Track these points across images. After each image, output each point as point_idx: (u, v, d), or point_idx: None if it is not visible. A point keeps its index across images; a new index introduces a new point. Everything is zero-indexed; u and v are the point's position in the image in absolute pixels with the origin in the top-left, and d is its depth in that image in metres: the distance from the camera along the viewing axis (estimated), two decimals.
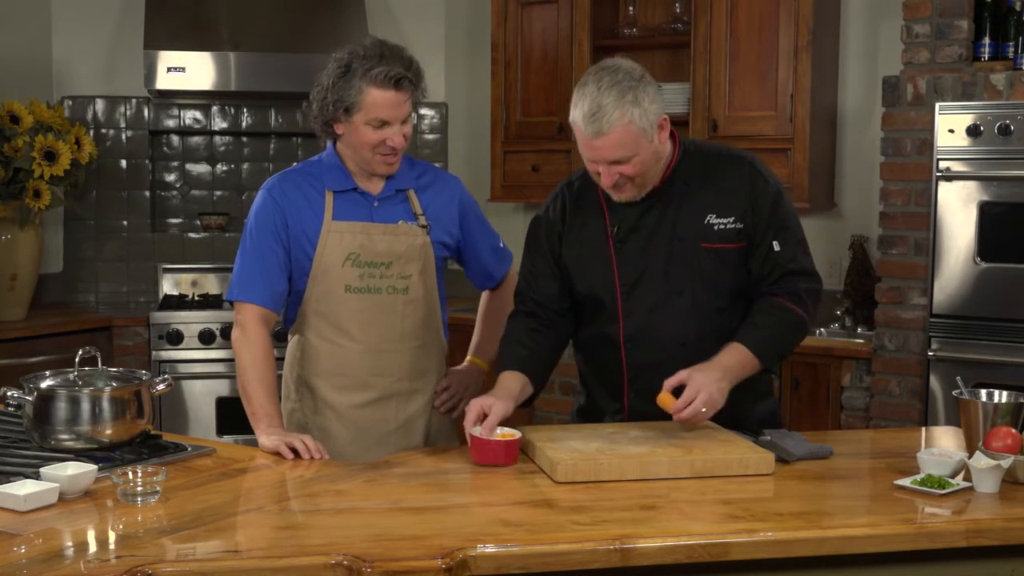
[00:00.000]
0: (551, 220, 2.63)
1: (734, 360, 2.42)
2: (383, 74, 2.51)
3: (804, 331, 2.53)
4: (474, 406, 2.40)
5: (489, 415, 2.37)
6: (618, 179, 2.41)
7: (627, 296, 2.54)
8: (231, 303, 2.68)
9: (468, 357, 2.94)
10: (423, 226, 2.70)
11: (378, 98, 2.53)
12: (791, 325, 2.50)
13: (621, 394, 2.61)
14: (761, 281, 2.52)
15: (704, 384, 2.33)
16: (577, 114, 2.37)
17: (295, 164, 2.78)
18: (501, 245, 2.91)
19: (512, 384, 2.51)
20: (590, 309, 2.61)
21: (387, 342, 2.70)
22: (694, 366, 2.38)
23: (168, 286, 5.40)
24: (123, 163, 5.47)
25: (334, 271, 2.65)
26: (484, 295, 2.98)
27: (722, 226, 2.50)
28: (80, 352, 2.47)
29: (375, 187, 2.70)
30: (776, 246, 2.50)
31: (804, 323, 2.51)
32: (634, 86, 2.35)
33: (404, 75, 2.54)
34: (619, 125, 2.33)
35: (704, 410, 2.32)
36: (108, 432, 2.36)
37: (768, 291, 2.51)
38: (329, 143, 2.72)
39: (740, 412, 2.52)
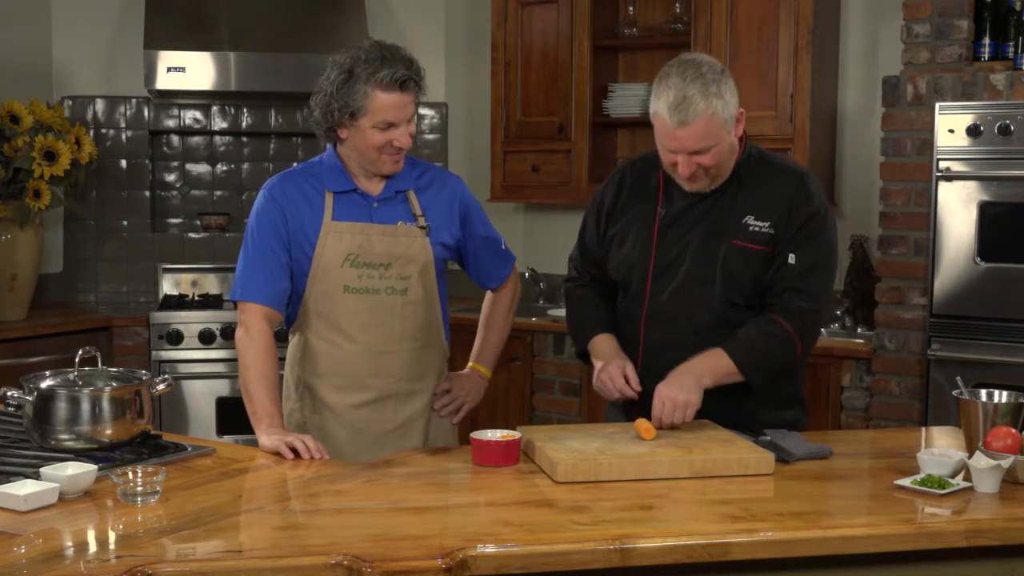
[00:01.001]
0: (603, 199, 2.74)
1: (707, 365, 2.49)
2: (388, 77, 2.52)
3: (792, 349, 2.54)
4: (615, 373, 2.55)
5: (628, 375, 2.56)
6: (696, 169, 2.48)
7: (657, 278, 2.62)
8: (235, 303, 2.68)
9: (470, 363, 2.94)
10: (422, 227, 2.70)
11: (384, 101, 2.54)
12: (776, 340, 2.52)
13: (635, 371, 2.63)
14: (768, 291, 2.57)
15: (667, 396, 2.44)
16: (661, 105, 2.44)
17: (295, 165, 2.79)
18: (504, 247, 2.91)
19: (614, 344, 2.66)
20: (622, 285, 2.70)
21: (386, 343, 2.70)
22: (663, 380, 2.47)
23: (168, 286, 5.40)
24: (123, 163, 5.46)
25: (333, 271, 2.65)
26: (487, 298, 2.97)
27: (756, 228, 2.56)
28: (80, 352, 2.47)
29: (375, 188, 2.70)
30: (791, 259, 2.54)
31: (792, 340, 2.53)
32: (717, 79, 2.44)
33: (409, 76, 2.55)
34: (704, 115, 2.41)
35: (677, 414, 2.43)
36: (108, 432, 2.36)
37: (771, 303, 2.56)
38: (329, 144, 2.72)
39: (762, 417, 2.57)
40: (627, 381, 2.58)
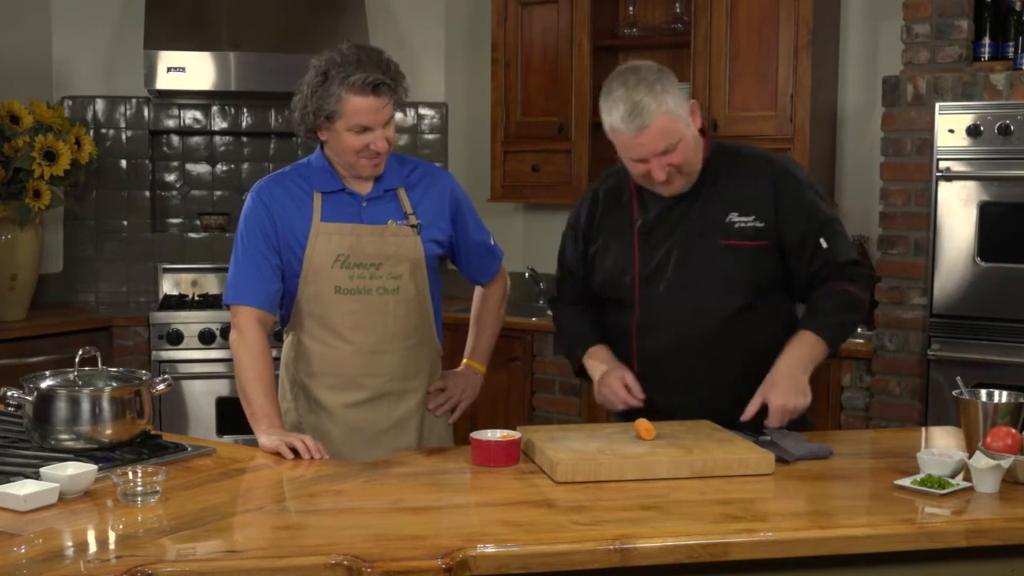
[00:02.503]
0: (578, 219, 2.75)
1: (804, 352, 2.52)
2: (360, 80, 2.51)
3: (863, 311, 2.64)
4: (616, 384, 2.55)
5: (629, 383, 2.57)
6: (670, 171, 2.48)
7: (644, 286, 2.61)
8: (228, 307, 2.68)
9: (464, 360, 2.94)
10: (413, 225, 2.70)
11: (358, 105, 2.53)
12: (850, 304, 2.60)
13: (634, 379, 2.63)
14: (815, 275, 2.60)
15: (783, 407, 2.45)
16: (615, 118, 2.44)
17: (285, 167, 2.78)
18: (492, 242, 2.92)
19: (609, 354, 2.67)
20: (610, 299, 2.69)
21: (379, 342, 2.70)
22: (764, 386, 2.48)
23: (168, 286, 5.40)
24: (123, 163, 5.47)
25: (324, 272, 2.65)
26: (477, 294, 2.98)
27: (742, 224, 2.56)
28: (80, 352, 2.47)
29: (364, 188, 2.69)
30: (824, 243, 2.58)
31: (863, 303, 2.62)
32: (658, 77, 2.46)
33: (382, 80, 2.53)
34: (658, 114, 2.42)
35: (794, 416, 2.48)
36: (108, 432, 2.36)
37: (824, 278, 2.60)
38: (318, 146, 2.72)
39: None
40: (629, 390, 2.58)
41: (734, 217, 2.56)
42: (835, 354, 2.66)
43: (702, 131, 2.59)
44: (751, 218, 2.55)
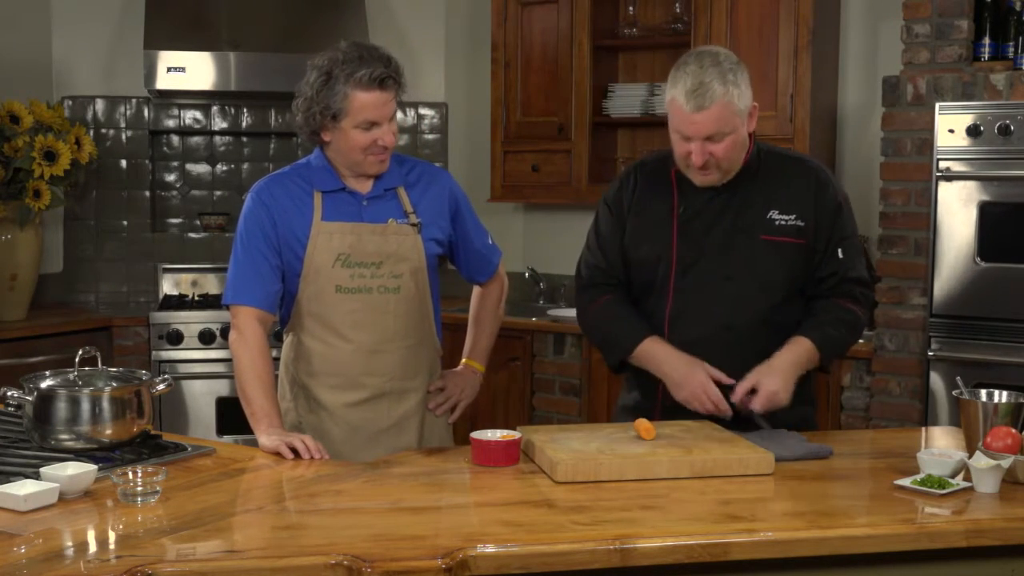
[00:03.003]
0: (618, 200, 2.70)
1: (796, 355, 2.53)
2: (367, 76, 2.52)
3: (861, 331, 2.66)
4: (710, 388, 2.50)
5: (721, 378, 2.53)
6: (709, 159, 2.49)
7: (681, 275, 2.61)
8: (227, 307, 2.68)
9: (464, 360, 2.94)
10: (413, 224, 2.70)
11: (365, 100, 2.54)
12: (850, 324, 2.62)
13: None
14: (821, 283, 2.62)
15: (772, 392, 2.48)
16: (678, 91, 2.46)
17: (284, 168, 2.78)
18: (490, 241, 2.92)
19: (676, 350, 2.57)
20: (642, 286, 2.67)
21: (379, 342, 2.70)
22: (760, 369, 2.49)
23: (168, 286, 5.40)
24: (123, 163, 5.47)
25: (324, 272, 2.65)
26: (474, 294, 2.98)
27: (783, 221, 2.59)
28: (80, 352, 2.47)
29: (364, 187, 2.70)
30: (840, 254, 2.61)
31: (862, 324, 2.65)
32: (734, 68, 2.48)
33: (387, 74, 2.55)
34: (721, 101, 2.44)
35: (767, 405, 2.49)
36: (108, 432, 2.36)
37: (828, 293, 2.62)
38: (317, 146, 2.72)
39: (780, 413, 2.56)
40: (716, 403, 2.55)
41: (775, 214, 2.58)
42: (825, 369, 2.65)
43: (750, 133, 2.61)
44: (792, 216, 2.58)
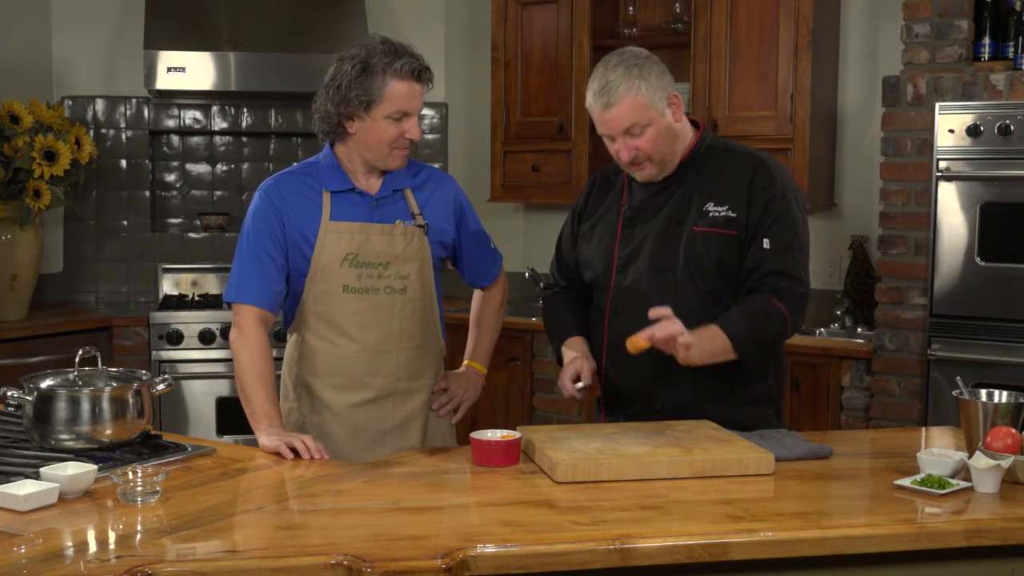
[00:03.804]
0: (577, 206, 2.82)
1: (705, 337, 2.45)
2: (406, 66, 2.58)
3: (783, 326, 2.54)
4: (568, 369, 2.60)
5: (583, 373, 2.59)
6: (636, 155, 2.55)
7: (620, 270, 2.66)
8: (229, 305, 2.68)
9: (466, 361, 2.95)
10: (420, 225, 2.71)
11: (401, 90, 2.58)
12: (768, 316, 2.52)
13: (600, 363, 2.69)
14: (747, 277, 2.57)
15: (672, 329, 2.37)
16: (589, 95, 2.55)
17: (292, 165, 2.79)
18: (492, 246, 2.93)
19: (579, 345, 2.70)
20: (591, 284, 2.75)
21: (385, 342, 2.70)
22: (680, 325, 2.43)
23: (168, 286, 5.41)
24: (123, 163, 5.47)
25: (332, 271, 2.65)
26: (475, 297, 2.99)
27: (716, 213, 2.58)
28: (80, 352, 2.47)
29: (373, 187, 2.70)
30: (765, 244, 2.55)
31: (783, 316, 2.53)
32: (640, 63, 2.53)
33: (424, 66, 2.63)
34: (627, 96, 2.49)
35: (678, 339, 2.37)
36: (108, 432, 2.36)
37: (753, 287, 2.56)
38: (326, 145, 2.72)
39: (729, 415, 2.56)
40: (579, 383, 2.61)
41: (710, 206, 2.59)
42: (746, 361, 2.53)
43: (696, 124, 2.64)
44: (725, 208, 2.58)
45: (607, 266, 2.68)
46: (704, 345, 2.44)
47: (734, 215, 2.56)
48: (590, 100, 2.54)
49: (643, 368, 2.58)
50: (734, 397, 2.61)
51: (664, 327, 2.38)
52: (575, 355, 2.66)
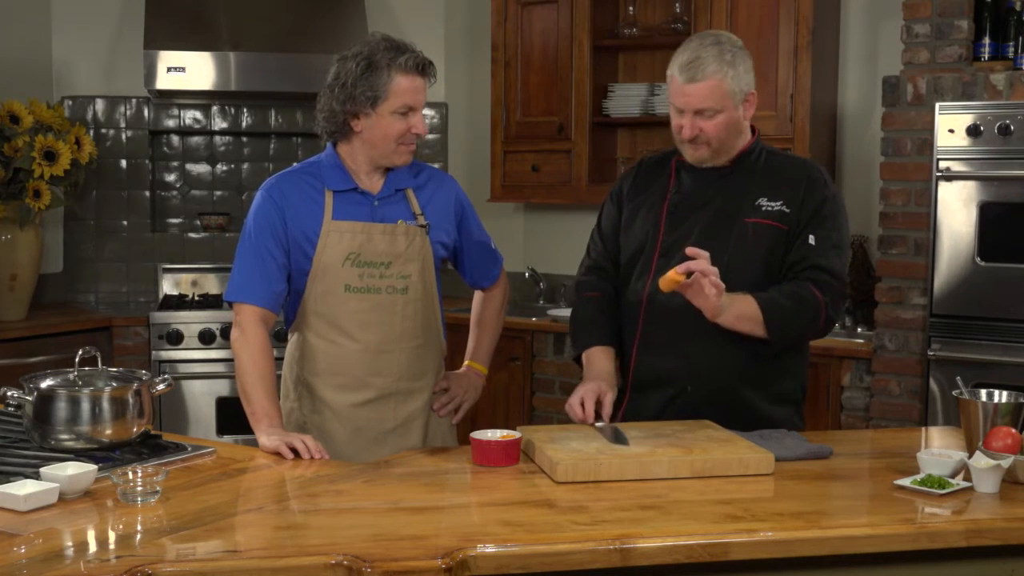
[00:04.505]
0: (620, 189, 2.80)
1: (737, 297, 2.46)
2: (411, 60, 2.59)
3: (816, 314, 2.54)
4: (575, 400, 2.53)
5: (604, 405, 2.52)
6: (698, 135, 2.55)
7: (663, 255, 2.63)
8: (229, 304, 2.68)
9: (466, 361, 2.95)
10: (422, 225, 2.71)
11: (406, 85, 2.59)
12: (803, 300, 2.53)
13: (631, 349, 2.67)
14: (789, 269, 2.59)
15: (713, 269, 2.36)
16: (675, 65, 2.55)
17: (294, 164, 2.79)
18: (493, 247, 2.93)
19: (604, 363, 2.65)
20: (630, 268, 2.71)
21: (386, 342, 2.70)
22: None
23: (168, 286, 5.41)
24: (123, 163, 5.47)
25: (334, 271, 2.66)
26: (476, 298, 2.99)
27: (770, 207, 2.60)
28: (80, 352, 2.47)
29: (375, 186, 2.70)
30: (811, 240, 2.58)
31: (818, 305, 2.53)
32: (734, 51, 2.54)
33: (427, 61, 2.63)
34: (713, 78, 2.50)
35: (711, 276, 2.35)
36: (108, 432, 2.36)
37: (793, 277, 2.57)
38: (328, 144, 2.72)
39: (758, 411, 2.58)
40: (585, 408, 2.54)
41: (763, 201, 2.61)
42: (772, 340, 2.53)
43: (753, 128, 2.67)
44: (779, 203, 2.60)
45: (650, 250, 2.66)
46: (735, 304, 2.45)
47: (788, 211, 2.59)
48: (674, 70, 2.54)
49: (677, 349, 2.59)
50: (763, 391, 2.60)
51: (700, 263, 2.36)
52: (592, 385, 2.57)
